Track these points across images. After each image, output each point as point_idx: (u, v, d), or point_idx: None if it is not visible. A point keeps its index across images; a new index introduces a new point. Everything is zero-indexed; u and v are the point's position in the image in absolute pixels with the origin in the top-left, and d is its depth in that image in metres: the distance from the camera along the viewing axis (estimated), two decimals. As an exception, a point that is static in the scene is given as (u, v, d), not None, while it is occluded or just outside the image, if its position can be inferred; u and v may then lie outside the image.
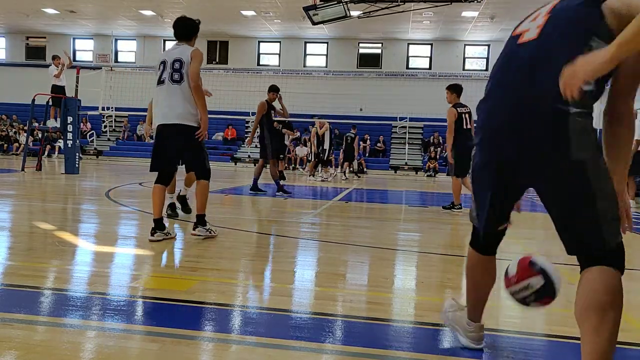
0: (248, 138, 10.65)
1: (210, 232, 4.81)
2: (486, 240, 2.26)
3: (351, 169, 19.56)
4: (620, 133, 1.83)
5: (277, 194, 9.73)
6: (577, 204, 1.79)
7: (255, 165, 11.91)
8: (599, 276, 1.90)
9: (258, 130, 10.08)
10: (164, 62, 4.70)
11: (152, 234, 4.54)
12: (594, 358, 1.77)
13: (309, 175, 15.58)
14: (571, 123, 1.72)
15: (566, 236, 1.96)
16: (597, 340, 1.83)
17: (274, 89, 9.85)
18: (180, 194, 6.36)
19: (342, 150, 19.02)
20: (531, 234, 6.60)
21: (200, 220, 4.79)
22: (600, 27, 1.72)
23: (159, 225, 4.60)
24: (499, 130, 1.90)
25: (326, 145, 14.83)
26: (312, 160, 16.12)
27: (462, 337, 2.37)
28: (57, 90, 13.67)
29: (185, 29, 4.91)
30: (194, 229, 4.80)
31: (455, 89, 7.64)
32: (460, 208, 7.68)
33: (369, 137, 24.16)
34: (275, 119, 10.38)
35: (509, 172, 1.94)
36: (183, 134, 4.58)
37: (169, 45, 27.85)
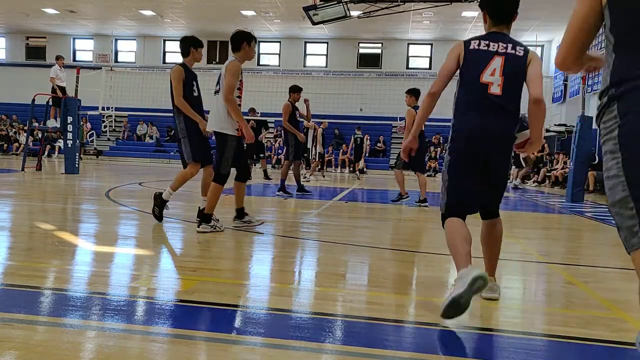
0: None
1: (215, 228, 5.08)
2: (465, 210, 3.24)
3: (359, 168, 19.66)
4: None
5: (297, 193, 9.68)
6: (503, 181, 3.31)
7: (254, 165, 12.05)
8: (498, 223, 3.36)
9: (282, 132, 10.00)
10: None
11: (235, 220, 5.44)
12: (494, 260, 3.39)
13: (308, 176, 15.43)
14: (512, 140, 3.14)
15: (496, 196, 3.31)
16: (495, 250, 3.37)
17: (296, 89, 9.76)
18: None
19: (343, 150, 19.04)
20: (531, 234, 6.61)
21: (206, 218, 5.09)
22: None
23: (240, 214, 5.46)
24: (481, 144, 3.06)
25: (309, 145, 14.49)
26: (316, 160, 16.06)
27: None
28: (57, 89, 13.68)
29: (232, 41, 5.42)
30: (198, 227, 5.10)
31: (414, 93, 8.44)
32: (407, 198, 8.70)
33: (368, 137, 24.16)
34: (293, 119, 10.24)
35: (480, 163, 3.10)
36: (217, 139, 5.20)
37: (169, 45, 27.89)
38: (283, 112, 9.60)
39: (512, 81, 3.04)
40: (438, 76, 3.23)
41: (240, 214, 5.60)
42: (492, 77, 3.02)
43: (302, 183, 10.12)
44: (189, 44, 5.65)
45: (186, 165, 5.57)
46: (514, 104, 3.08)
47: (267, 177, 14.10)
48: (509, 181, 20.55)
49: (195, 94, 5.67)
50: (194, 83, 5.70)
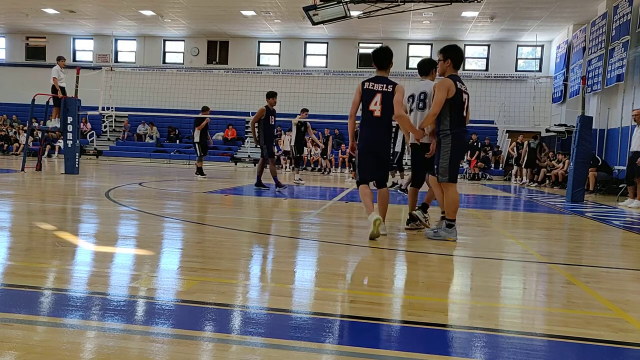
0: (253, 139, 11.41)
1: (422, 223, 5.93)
2: (367, 180, 5.45)
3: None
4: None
5: (276, 191, 10.11)
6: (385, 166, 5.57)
7: (255, 165, 12.26)
8: (384, 190, 5.45)
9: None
10: (412, 96, 5.94)
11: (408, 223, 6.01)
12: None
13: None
14: (388, 142, 5.63)
15: (379, 174, 5.48)
16: (384, 206, 5.47)
17: (271, 95, 10.58)
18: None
19: (342, 150, 19.04)
20: (531, 234, 6.60)
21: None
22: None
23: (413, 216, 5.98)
24: (372, 144, 5.40)
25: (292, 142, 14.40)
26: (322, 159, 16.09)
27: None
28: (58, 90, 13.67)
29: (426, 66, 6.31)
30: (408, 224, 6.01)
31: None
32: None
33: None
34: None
35: (373, 155, 5.38)
36: (421, 150, 5.84)
37: (169, 45, 27.88)
38: (256, 113, 10.50)
39: (386, 108, 5.29)
40: (352, 104, 5.45)
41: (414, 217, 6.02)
42: (376, 106, 5.30)
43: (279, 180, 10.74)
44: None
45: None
46: (389, 121, 5.41)
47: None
48: (520, 183, 20.33)
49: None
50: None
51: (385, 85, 5.33)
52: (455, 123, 5.16)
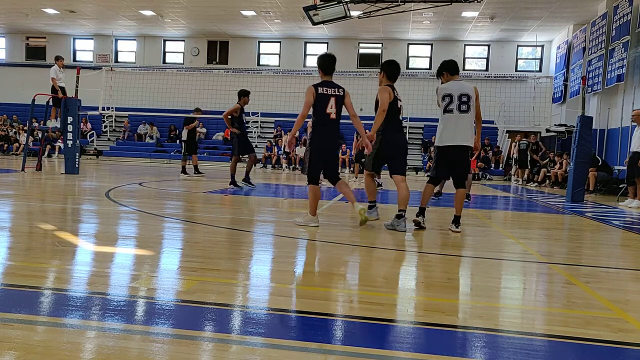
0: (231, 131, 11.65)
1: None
2: (319, 178, 5.94)
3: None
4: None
5: (229, 187, 10.84)
6: (336, 164, 6.07)
7: (255, 165, 12.35)
8: (342, 182, 6.01)
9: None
10: (450, 96, 5.94)
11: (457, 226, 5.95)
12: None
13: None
14: (339, 141, 6.05)
15: (330, 172, 5.98)
16: (345, 192, 6.08)
17: (245, 93, 11.02)
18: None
19: (342, 150, 19.06)
20: (531, 234, 6.61)
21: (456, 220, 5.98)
22: None
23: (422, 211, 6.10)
24: (330, 144, 5.96)
25: None
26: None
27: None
28: (58, 90, 13.68)
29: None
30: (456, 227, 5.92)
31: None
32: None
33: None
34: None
35: (328, 155, 5.95)
36: (465, 152, 6.04)
37: (169, 45, 27.88)
38: (231, 108, 10.94)
39: (338, 111, 5.82)
40: (306, 105, 5.73)
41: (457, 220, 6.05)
42: (331, 109, 5.75)
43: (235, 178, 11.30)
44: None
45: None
46: (339, 122, 5.84)
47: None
48: (516, 182, 20.35)
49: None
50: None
51: (336, 89, 5.86)
52: (390, 126, 6.02)
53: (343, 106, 5.89)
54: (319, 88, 5.76)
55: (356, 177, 14.41)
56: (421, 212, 6.08)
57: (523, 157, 19.79)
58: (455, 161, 6.05)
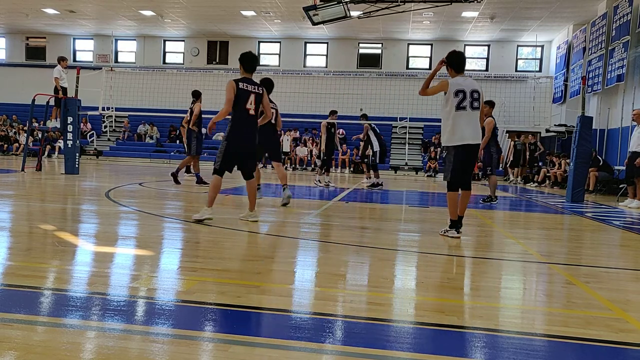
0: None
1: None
2: (225, 169, 5.93)
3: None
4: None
5: (177, 177, 11.24)
6: (253, 161, 6.16)
7: (263, 167, 12.36)
8: (253, 180, 6.09)
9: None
10: (463, 92, 5.54)
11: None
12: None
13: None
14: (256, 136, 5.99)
15: (250, 166, 6.06)
16: (252, 196, 6.11)
17: (197, 94, 11.66)
18: None
19: (343, 151, 19.04)
20: (531, 234, 6.61)
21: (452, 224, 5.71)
22: None
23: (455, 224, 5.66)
24: (248, 140, 5.87)
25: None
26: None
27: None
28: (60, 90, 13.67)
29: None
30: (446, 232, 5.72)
31: (490, 104, 10.24)
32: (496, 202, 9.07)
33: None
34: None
35: (243, 149, 5.89)
36: (475, 150, 5.72)
37: (169, 45, 27.89)
38: (196, 110, 11.39)
39: (257, 108, 5.88)
40: (228, 101, 5.70)
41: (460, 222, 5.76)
42: (251, 105, 5.79)
43: (183, 173, 11.87)
44: None
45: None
46: (257, 118, 5.93)
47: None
48: (510, 181, 20.44)
49: None
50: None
51: (256, 87, 5.91)
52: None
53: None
54: (240, 83, 5.76)
55: (368, 178, 14.28)
56: (455, 223, 5.64)
57: (517, 157, 20.14)
58: (468, 161, 5.66)
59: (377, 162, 13.14)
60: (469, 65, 25.99)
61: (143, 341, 2.30)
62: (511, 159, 20.55)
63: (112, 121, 27.36)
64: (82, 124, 20.47)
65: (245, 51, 6.10)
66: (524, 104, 21.97)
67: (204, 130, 10.85)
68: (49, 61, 26.30)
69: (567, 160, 14.77)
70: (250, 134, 5.85)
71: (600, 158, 15.16)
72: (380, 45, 26.14)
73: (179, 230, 5.61)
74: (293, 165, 23.08)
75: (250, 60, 5.93)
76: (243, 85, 5.77)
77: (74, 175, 12.53)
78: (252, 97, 5.79)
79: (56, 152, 22.82)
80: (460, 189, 5.69)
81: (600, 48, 17.23)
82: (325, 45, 26.74)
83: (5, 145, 25.26)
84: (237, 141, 5.80)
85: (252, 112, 5.81)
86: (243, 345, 2.30)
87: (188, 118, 11.60)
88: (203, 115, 11.88)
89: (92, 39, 28.25)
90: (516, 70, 25.39)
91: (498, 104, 22.07)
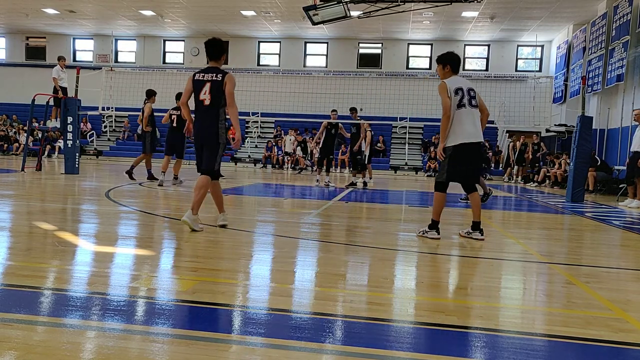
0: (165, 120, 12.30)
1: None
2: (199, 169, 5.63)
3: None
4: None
5: (146, 180, 11.64)
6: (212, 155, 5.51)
7: (255, 165, 12.29)
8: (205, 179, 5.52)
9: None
10: (461, 89, 5.49)
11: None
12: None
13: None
14: (216, 128, 5.45)
15: (199, 161, 5.57)
16: (217, 197, 5.81)
17: (153, 93, 12.14)
18: None
19: (342, 150, 19.00)
20: (531, 234, 6.61)
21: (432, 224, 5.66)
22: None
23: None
24: (201, 133, 5.47)
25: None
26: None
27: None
28: (59, 90, 13.67)
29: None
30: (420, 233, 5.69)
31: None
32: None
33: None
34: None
35: (199, 142, 5.49)
36: (479, 149, 5.69)
37: (169, 45, 27.86)
38: (146, 111, 11.89)
39: (215, 96, 5.36)
40: (184, 92, 5.55)
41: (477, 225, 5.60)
42: (205, 95, 5.36)
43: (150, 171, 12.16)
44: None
45: None
46: (217, 109, 5.42)
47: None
48: (508, 181, 20.46)
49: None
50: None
51: (214, 74, 5.39)
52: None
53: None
54: (196, 75, 5.47)
55: (370, 177, 14.25)
56: (436, 224, 5.60)
57: (520, 157, 20.34)
58: (472, 160, 5.56)
59: (366, 162, 13.23)
60: (469, 65, 26.01)
61: (143, 341, 2.30)
62: (514, 158, 20.64)
63: (112, 121, 27.35)
64: (82, 124, 20.48)
65: (210, 38, 5.64)
66: (524, 104, 21.96)
67: (185, 129, 10.76)
68: (49, 61, 26.30)
69: (567, 160, 14.78)
70: (204, 125, 5.44)
71: (598, 158, 15.16)
72: (380, 45, 26.14)
73: (178, 230, 5.61)
74: (293, 165, 23.06)
75: (210, 46, 5.50)
76: (199, 76, 5.42)
77: (74, 175, 12.53)
78: (207, 87, 5.34)
79: (56, 152, 22.81)
80: (466, 193, 5.76)
81: (600, 48, 17.23)
82: (325, 45, 26.74)
83: (6, 145, 25.25)
84: (194, 133, 5.56)
85: (206, 102, 5.34)
86: (243, 345, 2.30)
87: (141, 117, 11.96)
88: (155, 114, 12.19)
89: (92, 38, 28.24)
90: (516, 70, 25.39)
91: (498, 104, 22.19)
